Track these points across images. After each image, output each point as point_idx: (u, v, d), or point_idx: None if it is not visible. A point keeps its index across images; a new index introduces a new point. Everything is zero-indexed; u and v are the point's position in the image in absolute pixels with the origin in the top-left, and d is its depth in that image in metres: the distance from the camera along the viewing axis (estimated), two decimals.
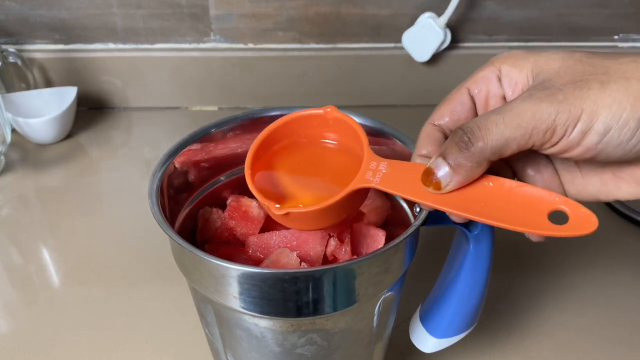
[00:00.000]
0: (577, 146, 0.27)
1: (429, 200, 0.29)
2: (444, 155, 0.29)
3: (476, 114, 0.32)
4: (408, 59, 0.77)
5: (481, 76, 0.31)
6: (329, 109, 0.34)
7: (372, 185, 0.30)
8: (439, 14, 0.74)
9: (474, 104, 0.32)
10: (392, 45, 0.78)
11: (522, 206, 0.28)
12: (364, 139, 0.32)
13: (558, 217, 0.27)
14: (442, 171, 0.28)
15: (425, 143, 0.31)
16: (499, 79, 0.31)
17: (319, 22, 0.76)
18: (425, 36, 0.75)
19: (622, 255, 0.57)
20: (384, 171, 0.31)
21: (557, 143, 0.27)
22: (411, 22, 0.76)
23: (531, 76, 0.29)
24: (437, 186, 0.29)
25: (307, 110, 0.34)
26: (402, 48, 0.77)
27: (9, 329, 0.49)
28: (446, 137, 0.32)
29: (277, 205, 0.32)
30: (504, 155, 0.27)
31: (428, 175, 0.29)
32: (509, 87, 0.30)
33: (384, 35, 0.77)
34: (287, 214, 0.31)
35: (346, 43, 0.78)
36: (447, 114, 0.32)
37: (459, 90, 0.32)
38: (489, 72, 0.31)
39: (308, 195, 0.33)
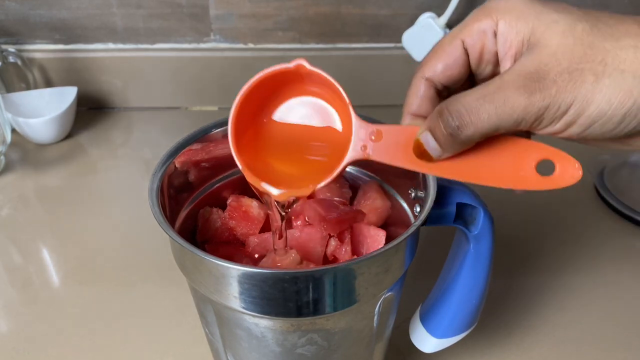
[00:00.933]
0: (559, 132, 0.27)
1: (423, 168, 0.29)
2: (432, 132, 0.28)
3: (469, 69, 0.31)
4: (408, 59, 0.77)
5: (478, 29, 0.29)
6: (300, 62, 0.29)
7: (366, 157, 0.30)
8: (439, 14, 0.74)
9: (468, 56, 0.30)
10: (392, 45, 0.78)
11: (509, 160, 0.28)
12: (346, 100, 0.30)
13: (544, 169, 0.28)
14: (432, 147, 0.28)
15: (415, 100, 0.31)
16: (495, 35, 0.29)
17: (319, 22, 0.76)
18: (425, 36, 0.75)
19: (622, 255, 0.57)
20: (374, 139, 0.30)
21: (541, 129, 0.27)
22: (411, 22, 0.76)
23: (527, 43, 0.28)
24: (428, 158, 0.29)
25: (275, 68, 0.30)
26: (402, 48, 0.77)
27: (9, 329, 0.49)
28: (438, 93, 0.31)
29: (278, 192, 0.31)
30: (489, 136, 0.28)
31: (418, 148, 0.29)
32: (502, 47, 0.29)
33: (384, 35, 0.77)
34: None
35: (346, 43, 0.78)
36: (440, 68, 0.30)
37: (453, 42, 0.30)
38: (486, 26, 0.29)
39: (300, 172, 0.32)
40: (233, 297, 0.30)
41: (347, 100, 0.29)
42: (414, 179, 0.36)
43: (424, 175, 0.34)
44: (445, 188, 0.34)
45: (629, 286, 0.54)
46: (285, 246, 0.35)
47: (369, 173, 0.42)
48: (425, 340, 0.39)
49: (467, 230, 0.35)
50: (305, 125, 0.32)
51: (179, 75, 0.78)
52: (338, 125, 0.32)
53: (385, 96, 0.80)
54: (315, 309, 0.30)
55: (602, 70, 0.25)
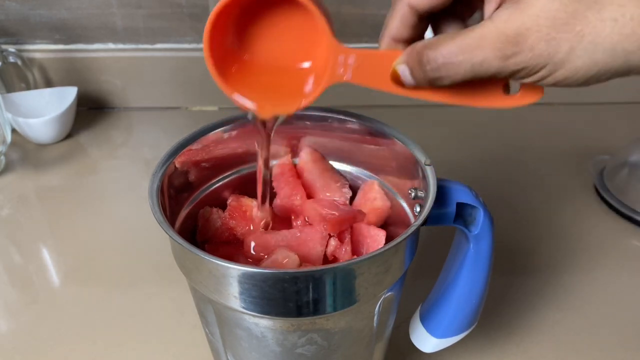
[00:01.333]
0: (528, 83, 0.29)
1: (399, 91, 0.31)
2: (409, 68, 0.29)
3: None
4: None
5: None
6: None
7: (344, 79, 0.31)
8: None
9: None
10: None
11: (480, 83, 0.30)
12: (325, 25, 0.30)
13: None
14: (407, 79, 0.30)
15: (396, 24, 0.31)
16: None
17: None
18: (425, 36, 0.75)
19: (622, 255, 0.57)
20: (353, 64, 0.31)
21: (512, 79, 0.29)
22: None
23: None
24: (403, 85, 0.30)
25: None
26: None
27: (9, 329, 0.49)
28: (420, 18, 0.31)
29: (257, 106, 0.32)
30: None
31: (394, 75, 0.30)
32: None
33: None
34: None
35: (346, 43, 0.77)
36: None
37: None
38: None
39: (278, 93, 0.33)
40: (233, 297, 0.30)
41: (327, 25, 0.30)
42: (414, 179, 0.36)
43: (424, 175, 0.34)
44: (445, 188, 0.34)
45: (629, 286, 0.54)
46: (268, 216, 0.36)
47: (369, 173, 0.42)
48: (425, 340, 0.39)
49: (467, 230, 0.35)
50: (285, 52, 0.33)
51: (179, 75, 0.78)
52: (317, 52, 0.32)
53: (385, 96, 0.79)
54: (315, 309, 0.30)
55: (577, 41, 0.26)
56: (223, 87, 0.33)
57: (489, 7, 0.30)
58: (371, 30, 0.77)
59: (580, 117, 0.82)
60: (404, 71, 0.30)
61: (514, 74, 0.28)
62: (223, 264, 0.28)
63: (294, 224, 0.40)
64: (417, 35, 0.32)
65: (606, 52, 0.26)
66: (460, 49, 0.27)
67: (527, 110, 0.84)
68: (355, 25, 0.76)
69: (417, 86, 0.30)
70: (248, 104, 0.32)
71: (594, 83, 0.28)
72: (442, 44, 0.28)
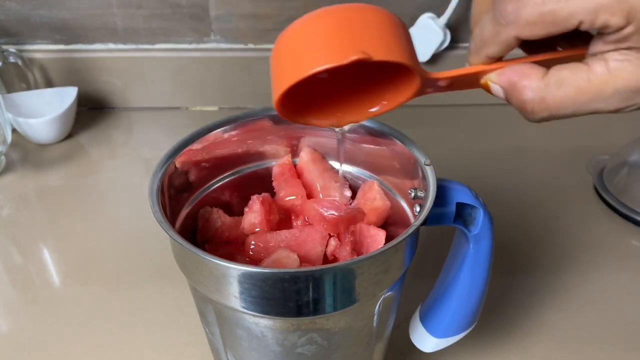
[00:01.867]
0: None
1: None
2: (505, 91, 0.29)
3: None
4: None
5: None
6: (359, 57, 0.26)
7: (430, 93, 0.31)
8: (439, 14, 0.74)
9: None
10: None
11: None
12: (417, 72, 0.29)
13: None
14: (498, 95, 0.29)
15: (498, 49, 0.29)
16: None
17: None
18: (425, 36, 0.75)
19: (622, 255, 0.57)
20: (443, 85, 0.31)
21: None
22: (411, 22, 0.76)
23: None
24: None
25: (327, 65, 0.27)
26: None
27: (9, 328, 0.49)
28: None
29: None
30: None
31: (486, 88, 0.30)
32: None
33: None
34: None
35: None
36: (539, 35, 0.28)
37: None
38: None
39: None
40: (233, 296, 0.30)
41: (418, 70, 0.29)
42: (414, 179, 0.36)
43: (424, 175, 0.34)
44: (445, 188, 0.34)
45: (628, 286, 0.54)
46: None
47: (369, 173, 0.42)
48: (425, 340, 0.39)
49: (467, 230, 0.35)
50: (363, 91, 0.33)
51: (179, 76, 0.78)
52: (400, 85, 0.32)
53: None
54: (315, 308, 0.30)
55: None
56: (301, 122, 0.33)
57: (595, 48, 0.28)
58: None
59: (580, 117, 0.82)
60: (497, 91, 0.29)
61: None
62: (223, 263, 0.28)
63: (294, 224, 0.40)
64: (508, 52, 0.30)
65: None
66: (576, 93, 0.26)
67: None
68: None
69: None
70: (326, 123, 0.33)
71: None
72: (557, 87, 0.27)
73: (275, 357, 0.34)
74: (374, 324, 0.35)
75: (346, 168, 0.43)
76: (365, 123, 0.39)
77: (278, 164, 0.42)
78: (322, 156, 0.43)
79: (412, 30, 0.75)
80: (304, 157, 0.42)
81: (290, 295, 0.29)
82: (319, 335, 0.32)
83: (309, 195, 0.42)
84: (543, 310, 0.51)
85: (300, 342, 0.32)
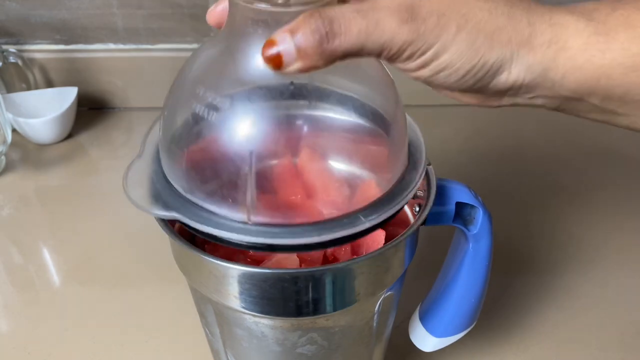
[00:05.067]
0: (411, 71, 0.28)
1: None
2: (293, 32, 0.25)
3: None
4: None
5: None
6: None
7: None
8: None
9: None
10: None
11: None
12: None
13: None
14: (287, 50, 0.25)
15: None
16: None
17: None
18: None
19: (623, 255, 0.57)
20: None
21: (398, 62, 0.28)
22: None
23: None
24: (277, 62, 0.25)
25: None
26: None
27: (9, 328, 0.49)
28: None
29: None
30: (351, 57, 0.26)
31: (269, 46, 0.25)
32: None
33: None
34: None
35: None
36: None
37: None
38: None
39: None
40: (233, 297, 0.30)
41: None
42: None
43: (426, 175, 0.34)
44: (444, 187, 0.34)
45: (628, 286, 0.54)
46: None
47: (369, 172, 0.42)
48: (424, 340, 0.39)
49: (466, 230, 0.35)
50: None
51: None
52: None
53: None
54: (315, 308, 0.30)
55: (463, 23, 0.26)
56: None
57: None
58: None
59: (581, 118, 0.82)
60: (284, 39, 0.25)
61: (402, 51, 0.26)
62: (223, 264, 0.28)
63: None
64: None
65: (485, 41, 0.27)
66: (356, 9, 0.26)
67: (527, 110, 0.84)
68: None
69: (295, 68, 0.25)
70: None
71: (473, 82, 0.28)
72: (335, 7, 0.26)
73: (275, 357, 0.34)
74: (374, 324, 0.35)
75: (346, 168, 0.43)
76: (365, 123, 0.39)
77: (278, 164, 0.42)
78: (322, 156, 0.43)
79: None
80: (304, 157, 0.42)
81: (290, 295, 0.29)
82: (319, 335, 0.32)
83: (309, 196, 0.42)
84: (543, 309, 0.51)
85: (301, 342, 0.32)
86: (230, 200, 0.28)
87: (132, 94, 0.80)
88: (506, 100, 0.30)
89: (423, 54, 0.27)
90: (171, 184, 0.31)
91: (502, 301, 0.51)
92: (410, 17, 0.26)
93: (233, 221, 0.28)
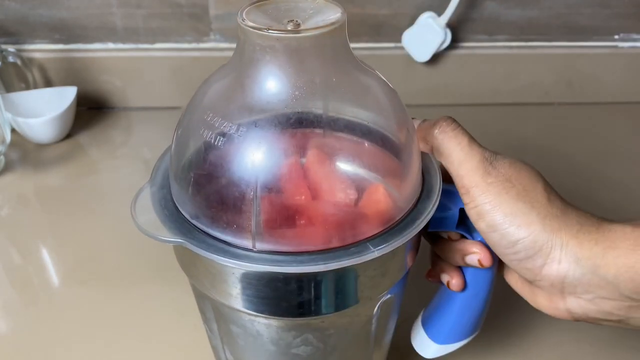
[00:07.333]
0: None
1: None
2: None
3: None
4: (408, 58, 0.77)
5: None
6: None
7: None
8: (439, 13, 0.74)
9: None
10: (392, 45, 0.78)
11: None
12: None
13: None
14: None
15: None
16: None
17: None
18: (425, 36, 0.75)
19: None
20: None
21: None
22: (411, 21, 0.75)
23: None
24: None
25: None
26: (402, 48, 0.77)
27: (9, 329, 0.49)
28: None
29: None
30: None
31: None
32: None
33: (384, 35, 0.77)
34: None
35: None
36: None
37: None
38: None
39: None
40: (228, 294, 0.30)
41: None
42: None
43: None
44: (448, 193, 0.33)
45: None
46: None
47: (376, 175, 0.42)
48: (426, 346, 0.39)
49: (470, 237, 0.34)
50: None
51: (179, 75, 0.78)
52: None
53: None
54: (309, 309, 0.30)
55: (524, 194, 0.30)
56: None
57: None
58: (371, 30, 0.76)
59: (580, 116, 0.82)
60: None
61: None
62: (218, 260, 0.28)
63: (297, 224, 0.40)
64: None
65: (537, 219, 0.30)
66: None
67: (527, 110, 0.84)
68: (355, 25, 0.76)
69: None
70: None
71: (519, 260, 0.30)
72: None
73: (270, 356, 0.34)
74: (372, 327, 0.35)
75: (353, 170, 0.42)
76: (364, 123, 0.39)
77: (285, 164, 0.42)
78: (328, 157, 0.42)
79: (413, 30, 0.75)
80: (311, 158, 0.42)
81: (283, 295, 0.29)
82: (314, 337, 0.32)
83: (314, 196, 0.41)
84: (546, 315, 0.51)
85: (295, 342, 0.32)
86: (235, 227, 0.29)
87: (131, 93, 0.80)
88: (571, 302, 0.31)
89: (479, 204, 0.30)
90: (179, 210, 0.31)
91: (502, 302, 0.51)
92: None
93: (238, 248, 0.29)
